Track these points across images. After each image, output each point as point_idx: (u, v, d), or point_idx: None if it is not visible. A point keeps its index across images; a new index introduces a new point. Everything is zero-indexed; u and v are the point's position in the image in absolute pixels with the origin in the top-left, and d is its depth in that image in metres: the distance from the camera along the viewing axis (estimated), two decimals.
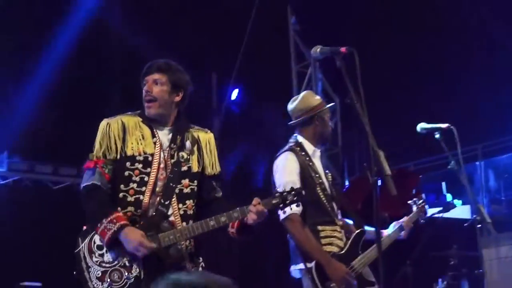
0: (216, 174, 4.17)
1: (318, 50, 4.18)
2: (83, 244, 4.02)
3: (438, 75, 8.71)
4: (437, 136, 5.29)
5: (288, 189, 4.23)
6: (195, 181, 4.13)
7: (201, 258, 4.14)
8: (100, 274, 3.95)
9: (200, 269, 4.13)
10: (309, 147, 4.70)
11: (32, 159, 8.41)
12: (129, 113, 4.22)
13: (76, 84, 8.46)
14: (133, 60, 7.64)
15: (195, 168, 4.18)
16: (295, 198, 3.93)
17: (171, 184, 4.05)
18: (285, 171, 4.68)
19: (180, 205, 4.05)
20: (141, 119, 4.15)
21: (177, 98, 4.14)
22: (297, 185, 4.56)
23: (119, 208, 3.98)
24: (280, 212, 4.43)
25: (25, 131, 8.22)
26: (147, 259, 3.93)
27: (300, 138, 4.70)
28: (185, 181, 4.12)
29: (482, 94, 8.42)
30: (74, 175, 8.35)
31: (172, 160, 4.15)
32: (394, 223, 5.02)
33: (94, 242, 3.98)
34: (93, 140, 4.05)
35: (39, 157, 8.40)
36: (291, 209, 4.17)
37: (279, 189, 4.40)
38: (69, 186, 8.40)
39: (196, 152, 4.25)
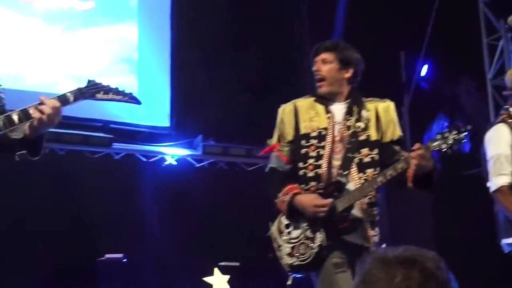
0: (397, 139, 4.16)
1: None
2: (273, 226, 4.23)
3: None
4: None
5: (497, 160, 4.36)
6: (375, 150, 4.14)
7: (377, 229, 4.14)
8: (289, 250, 4.10)
9: (374, 241, 4.11)
10: None
11: (226, 141, 8.59)
12: (304, 96, 4.38)
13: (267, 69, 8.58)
14: None
15: (373, 136, 4.18)
16: (458, 137, 3.81)
17: (349, 155, 4.08)
18: (496, 143, 4.53)
19: (361, 175, 4.07)
20: (314, 99, 4.28)
21: (347, 75, 4.22)
22: (510, 157, 4.44)
23: (303, 185, 4.10)
24: (489, 184, 4.47)
25: (219, 114, 8.42)
26: (327, 227, 4.01)
27: None
28: (364, 151, 4.13)
29: None
30: (267, 157, 8.25)
31: (349, 131, 4.18)
32: None
33: (281, 222, 4.18)
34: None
35: (233, 139, 8.58)
36: (500, 180, 4.22)
37: (489, 162, 4.49)
38: (262, 167, 8.54)
39: (373, 121, 4.25)
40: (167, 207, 8.05)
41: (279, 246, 4.22)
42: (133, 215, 7.85)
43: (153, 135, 8.57)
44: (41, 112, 3.57)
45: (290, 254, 4.16)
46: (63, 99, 3.73)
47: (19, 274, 7.06)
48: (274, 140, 4.37)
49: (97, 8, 8.38)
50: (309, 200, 4.04)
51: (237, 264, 7.68)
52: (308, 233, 4.09)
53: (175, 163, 8.53)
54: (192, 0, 8.74)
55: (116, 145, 8.10)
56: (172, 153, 8.53)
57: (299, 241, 4.14)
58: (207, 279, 7.42)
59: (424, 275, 1.84)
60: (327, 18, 9.10)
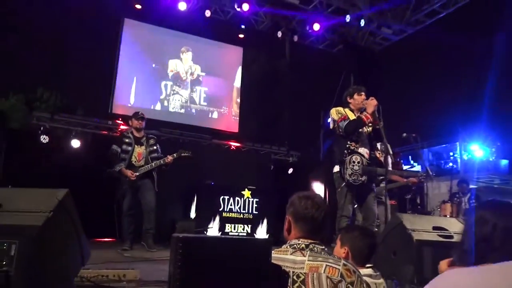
0: None
1: None
2: (348, 157, 4.85)
3: None
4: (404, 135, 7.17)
5: None
6: None
7: None
8: (350, 172, 4.94)
9: None
10: None
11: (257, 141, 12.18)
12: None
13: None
14: None
15: None
16: None
17: None
18: None
19: None
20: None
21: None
22: None
23: None
24: None
25: (264, 128, 12.02)
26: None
27: None
28: None
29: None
30: None
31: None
32: None
33: (354, 159, 4.87)
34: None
35: (261, 140, 12.15)
36: None
37: None
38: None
39: None
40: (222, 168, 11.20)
41: (346, 167, 5.00)
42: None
43: (227, 135, 11.96)
44: (168, 159, 8.12)
45: (350, 175, 4.98)
46: (177, 155, 8.17)
47: None
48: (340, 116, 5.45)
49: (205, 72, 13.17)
50: None
51: (254, 187, 10.70)
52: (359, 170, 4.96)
53: (235, 148, 11.99)
54: (247, 75, 12.67)
55: (214, 141, 11.44)
56: (236, 144, 12.07)
57: (357, 171, 4.96)
58: (243, 192, 10.54)
59: (318, 204, 2.86)
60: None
